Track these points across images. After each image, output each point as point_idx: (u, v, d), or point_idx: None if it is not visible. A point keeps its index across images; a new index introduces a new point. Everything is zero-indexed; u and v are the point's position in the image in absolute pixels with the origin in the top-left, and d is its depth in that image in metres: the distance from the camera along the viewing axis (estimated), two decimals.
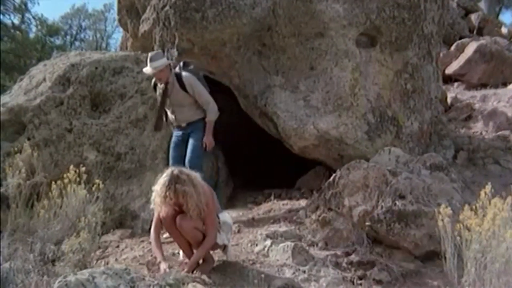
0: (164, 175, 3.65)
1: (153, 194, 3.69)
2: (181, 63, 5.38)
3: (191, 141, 5.16)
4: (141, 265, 4.17)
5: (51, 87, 6.35)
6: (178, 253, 4.18)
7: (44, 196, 4.43)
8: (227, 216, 4.11)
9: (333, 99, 5.66)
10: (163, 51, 6.12)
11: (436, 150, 6.31)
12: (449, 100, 8.68)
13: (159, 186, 3.63)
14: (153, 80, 5.43)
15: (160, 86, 5.29)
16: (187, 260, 3.88)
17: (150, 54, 5.19)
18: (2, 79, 18.87)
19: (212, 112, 5.17)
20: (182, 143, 5.24)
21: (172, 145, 5.32)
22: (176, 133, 5.33)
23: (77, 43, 27.79)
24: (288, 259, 3.98)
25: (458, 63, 9.87)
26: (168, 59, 5.47)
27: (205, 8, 5.65)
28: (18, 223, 4.53)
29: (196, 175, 3.76)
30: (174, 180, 3.57)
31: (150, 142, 5.90)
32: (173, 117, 5.31)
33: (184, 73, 5.22)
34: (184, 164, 4.91)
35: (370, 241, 4.38)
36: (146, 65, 5.21)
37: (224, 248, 3.90)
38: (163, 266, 3.64)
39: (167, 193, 3.55)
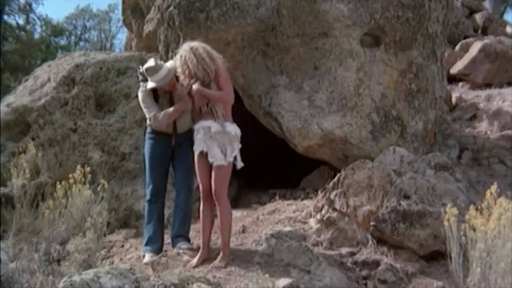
0: None
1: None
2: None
3: (183, 157, 4.49)
4: (145, 265, 4.19)
5: (56, 87, 6.38)
6: (184, 252, 4.20)
7: (49, 196, 4.45)
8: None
9: (338, 99, 5.65)
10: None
11: (441, 150, 6.28)
12: (453, 100, 8.64)
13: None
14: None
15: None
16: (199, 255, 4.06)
17: (145, 66, 4.41)
18: (7, 79, 18.95)
19: None
20: (167, 157, 4.59)
21: (155, 155, 4.56)
22: (158, 141, 4.58)
23: (81, 44, 27.97)
24: (293, 259, 3.97)
25: (463, 63, 9.82)
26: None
27: (209, 8, 5.65)
28: (23, 223, 4.55)
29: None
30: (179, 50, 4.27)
31: None
32: (170, 124, 4.51)
33: None
34: (166, 182, 4.61)
35: (375, 241, 4.37)
36: (144, 79, 4.44)
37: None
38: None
39: (180, 61, 4.17)
